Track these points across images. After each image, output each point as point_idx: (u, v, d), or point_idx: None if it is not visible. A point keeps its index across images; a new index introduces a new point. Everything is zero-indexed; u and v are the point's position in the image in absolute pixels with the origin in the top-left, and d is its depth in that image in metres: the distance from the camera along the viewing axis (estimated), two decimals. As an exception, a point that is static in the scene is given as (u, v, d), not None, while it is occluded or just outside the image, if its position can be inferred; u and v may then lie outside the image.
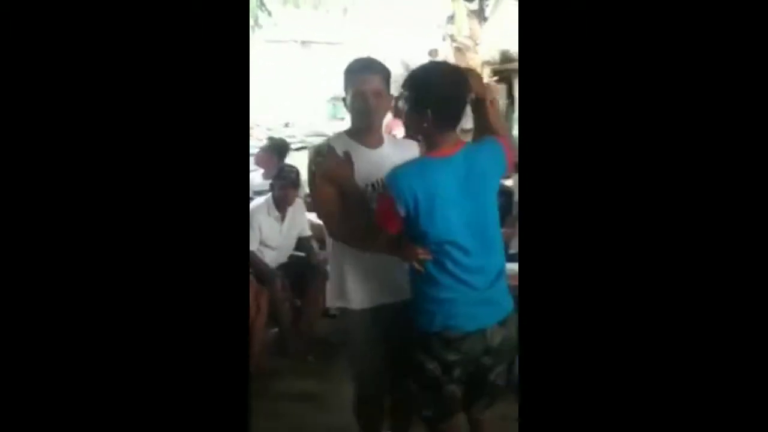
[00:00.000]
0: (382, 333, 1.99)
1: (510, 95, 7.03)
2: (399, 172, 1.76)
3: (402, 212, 1.73)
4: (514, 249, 3.45)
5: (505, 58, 6.95)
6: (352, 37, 7.03)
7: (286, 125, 11.30)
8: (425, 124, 1.75)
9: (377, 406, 2.20)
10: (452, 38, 7.57)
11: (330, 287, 2.10)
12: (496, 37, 6.96)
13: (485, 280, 1.80)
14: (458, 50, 7.54)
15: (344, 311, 2.06)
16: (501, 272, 1.86)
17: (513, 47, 6.80)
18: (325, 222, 2.03)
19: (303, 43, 12.93)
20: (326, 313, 4.39)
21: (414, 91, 1.76)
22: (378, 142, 2.02)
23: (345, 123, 2.37)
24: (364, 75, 1.95)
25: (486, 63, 7.30)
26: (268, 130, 9.24)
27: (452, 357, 1.80)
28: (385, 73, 1.98)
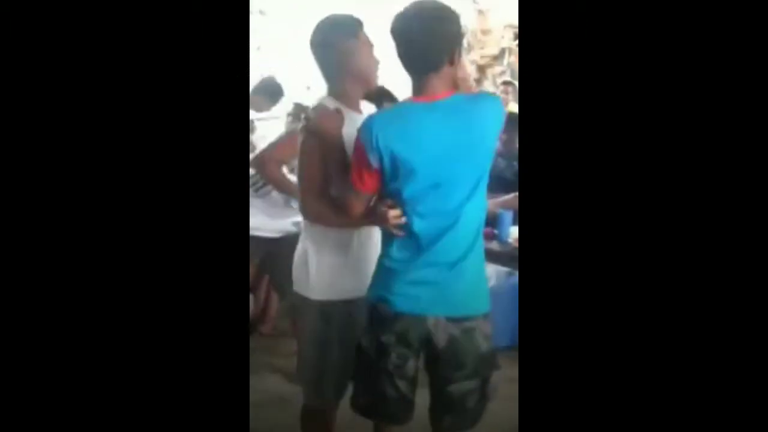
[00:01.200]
0: (341, 330, 1.74)
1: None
2: (374, 116, 1.59)
3: (374, 162, 1.52)
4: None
5: (528, 20, 6.87)
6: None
7: (308, 88, 11.24)
8: (408, 65, 1.57)
9: (326, 419, 1.90)
10: (475, 0, 7.48)
11: (295, 272, 1.86)
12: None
13: (447, 259, 1.56)
14: (480, 12, 7.46)
15: (303, 300, 1.81)
16: (469, 258, 1.58)
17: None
18: (302, 184, 1.77)
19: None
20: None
21: (398, 31, 1.56)
22: (359, 107, 1.82)
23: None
24: (359, 31, 1.75)
25: (508, 26, 7.22)
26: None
27: (384, 338, 1.58)
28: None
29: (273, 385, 2.93)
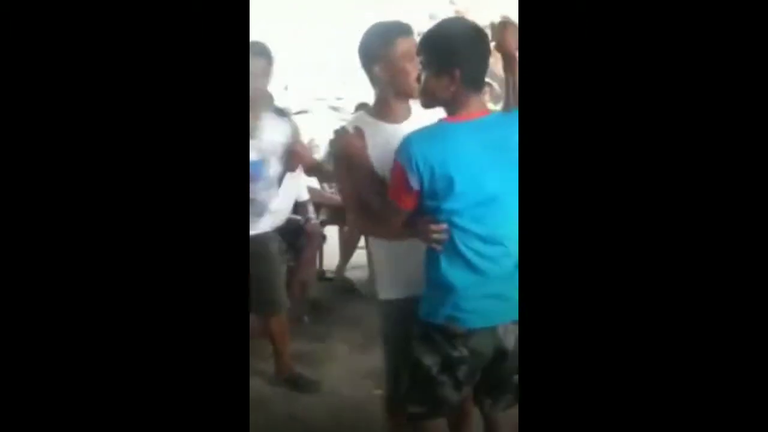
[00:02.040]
0: (406, 327, 1.75)
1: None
2: (412, 137, 1.55)
3: (415, 184, 1.53)
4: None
5: (506, 23, 6.91)
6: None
7: (285, 88, 11.18)
8: (453, 87, 1.54)
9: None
10: (451, 1, 7.50)
11: (377, 278, 1.91)
12: (496, 2, 6.90)
13: (500, 269, 1.59)
14: (458, 13, 7.47)
15: (378, 302, 1.89)
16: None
17: (513, 12, 6.75)
18: (346, 206, 1.87)
19: (302, 3, 12.73)
20: (322, 276, 4.48)
21: (437, 51, 1.56)
22: (406, 114, 1.80)
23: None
24: (406, 37, 1.73)
25: (486, 27, 7.25)
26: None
27: (456, 353, 1.61)
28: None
29: (252, 387, 2.88)
